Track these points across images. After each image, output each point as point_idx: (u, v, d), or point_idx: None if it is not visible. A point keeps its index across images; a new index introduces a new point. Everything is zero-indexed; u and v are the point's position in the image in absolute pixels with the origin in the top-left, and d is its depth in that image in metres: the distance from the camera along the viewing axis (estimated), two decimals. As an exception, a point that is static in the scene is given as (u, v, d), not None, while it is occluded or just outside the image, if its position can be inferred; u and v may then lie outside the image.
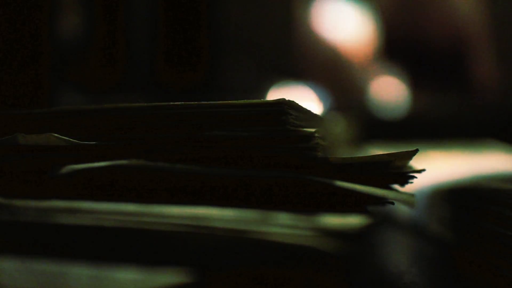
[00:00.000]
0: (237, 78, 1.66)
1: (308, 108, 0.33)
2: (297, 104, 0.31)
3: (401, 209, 0.55)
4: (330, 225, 0.26)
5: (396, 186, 0.31)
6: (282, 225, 0.26)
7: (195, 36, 1.64)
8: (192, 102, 0.31)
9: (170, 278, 0.24)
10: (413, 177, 0.30)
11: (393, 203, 0.29)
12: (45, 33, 1.31)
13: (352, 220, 0.26)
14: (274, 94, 1.61)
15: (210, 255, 0.25)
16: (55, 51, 1.34)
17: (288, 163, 0.30)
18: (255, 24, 1.77)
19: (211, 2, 1.67)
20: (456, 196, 0.41)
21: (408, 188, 0.31)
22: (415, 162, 0.32)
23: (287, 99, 0.30)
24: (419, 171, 0.31)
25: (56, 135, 0.31)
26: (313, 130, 0.30)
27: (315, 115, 0.35)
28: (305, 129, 0.30)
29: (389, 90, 1.54)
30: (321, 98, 1.61)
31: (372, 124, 1.32)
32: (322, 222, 0.26)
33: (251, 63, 1.71)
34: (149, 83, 1.58)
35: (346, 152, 0.53)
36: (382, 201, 0.29)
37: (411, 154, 0.30)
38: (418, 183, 0.33)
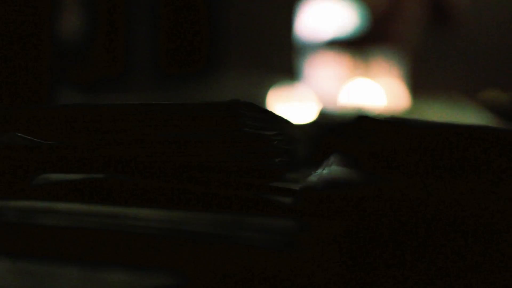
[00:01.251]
0: (237, 76, 1.66)
1: (272, 111, 0.32)
2: (257, 106, 0.30)
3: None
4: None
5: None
6: (254, 229, 0.26)
7: (196, 34, 1.63)
8: (140, 103, 0.30)
9: (157, 279, 0.24)
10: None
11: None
12: (45, 32, 1.31)
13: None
14: (274, 94, 1.61)
15: (190, 257, 0.25)
16: (55, 50, 1.35)
17: (241, 168, 0.29)
18: (256, 23, 1.77)
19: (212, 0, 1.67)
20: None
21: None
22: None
23: (242, 100, 0.29)
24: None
25: (20, 134, 0.31)
26: (271, 133, 0.29)
27: (281, 118, 0.34)
28: (264, 132, 0.30)
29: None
30: (319, 97, 1.60)
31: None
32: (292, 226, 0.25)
33: (251, 62, 1.71)
34: (149, 82, 1.58)
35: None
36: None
37: None
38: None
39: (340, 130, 0.52)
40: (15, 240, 0.26)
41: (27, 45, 1.27)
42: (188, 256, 0.25)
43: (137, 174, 0.29)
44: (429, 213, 0.26)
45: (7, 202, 0.28)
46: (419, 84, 1.67)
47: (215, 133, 0.29)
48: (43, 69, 1.29)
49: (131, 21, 1.57)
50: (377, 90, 1.63)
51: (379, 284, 0.25)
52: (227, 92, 1.59)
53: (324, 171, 0.30)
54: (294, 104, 1.52)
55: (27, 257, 0.26)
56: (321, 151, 0.49)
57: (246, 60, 1.72)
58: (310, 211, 0.26)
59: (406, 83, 1.69)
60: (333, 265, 0.25)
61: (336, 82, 1.70)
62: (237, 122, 0.29)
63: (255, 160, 0.29)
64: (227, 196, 0.28)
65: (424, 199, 0.26)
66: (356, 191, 0.26)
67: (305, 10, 1.76)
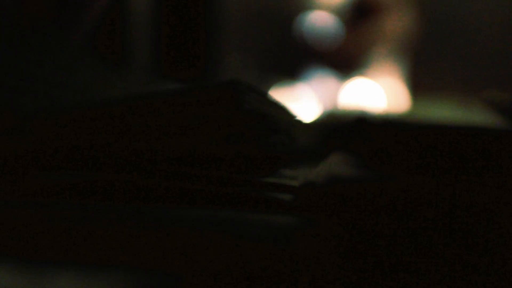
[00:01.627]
0: (237, 76, 1.66)
1: (269, 94, 0.32)
2: (256, 87, 0.30)
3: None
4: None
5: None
6: (253, 226, 0.25)
7: (195, 35, 1.63)
8: (146, 92, 0.30)
9: (157, 279, 0.24)
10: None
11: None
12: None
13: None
14: (274, 94, 1.61)
15: (190, 255, 0.25)
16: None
17: (247, 152, 0.29)
18: (256, 23, 1.77)
19: (212, 1, 1.67)
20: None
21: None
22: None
23: (243, 80, 0.29)
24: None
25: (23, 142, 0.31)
26: (270, 111, 0.29)
27: (280, 103, 0.34)
28: (264, 110, 0.30)
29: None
30: (319, 97, 1.60)
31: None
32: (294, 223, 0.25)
33: (251, 62, 1.71)
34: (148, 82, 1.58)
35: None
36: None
37: None
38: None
39: (341, 129, 0.52)
40: (14, 240, 0.26)
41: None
42: (188, 254, 0.25)
43: (137, 171, 0.29)
44: (431, 211, 0.25)
45: (7, 202, 0.28)
46: (420, 83, 1.67)
47: (219, 114, 0.29)
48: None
49: (131, 22, 1.57)
50: (377, 90, 1.63)
51: (379, 282, 0.25)
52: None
53: (324, 168, 0.29)
54: (294, 104, 1.52)
55: (26, 257, 0.25)
56: (321, 149, 0.49)
57: (246, 60, 1.72)
58: (310, 207, 0.26)
59: (407, 82, 1.69)
60: (333, 263, 0.24)
61: (336, 82, 1.71)
62: (240, 100, 0.29)
63: (257, 139, 0.29)
64: (225, 194, 0.28)
65: (426, 197, 0.25)
66: (357, 188, 0.26)
67: (306, 10, 1.76)
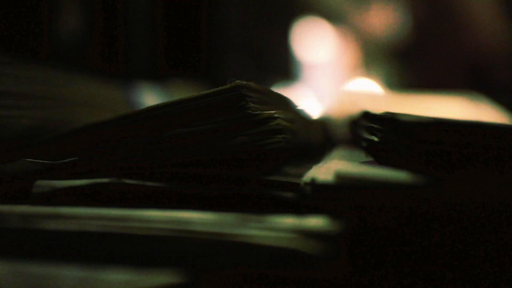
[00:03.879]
0: (236, 77, 1.66)
1: (274, 90, 0.32)
2: (259, 86, 0.30)
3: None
4: (308, 226, 0.25)
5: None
6: (260, 227, 0.26)
7: (195, 35, 1.64)
8: (153, 104, 0.31)
9: (159, 279, 0.24)
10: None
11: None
12: (43, 33, 1.31)
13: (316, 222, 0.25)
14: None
15: (195, 257, 0.25)
16: (53, 51, 1.34)
17: (250, 152, 0.29)
18: (255, 24, 1.77)
19: (211, 1, 1.67)
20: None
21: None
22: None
23: (244, 82, 0.29)
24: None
25: (29, 160, 0.31)
26: (273, 111, 0.29)
27: (283, 97, 0.34)
28: (268, 111, 0.30)
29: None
30: (319, 98, 1.60)
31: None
32: (301, 224, 0.25)
33: (251, 63, 1.71)
34: (148, 83, 1.58)
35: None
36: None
37: None
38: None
39: (344, 126, 0.52)
40: (18, 245, 0.27)
41: (25, 46, 1.27)
42: (192, 257, 0.25)
43: (144, 177, 0.30)
44: (445, 211, 0.25)
45: (11, 207, 0.28)
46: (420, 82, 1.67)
47: (222, 120, 0.29)
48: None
49: (130, 24, 1.57)
50: (377, 89, 1.64)
51: (383, 284, 0.25)
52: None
53: (327, 165, 0.29)
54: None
55: (30, 261, 0.26)
56: (326, 145, 0.48)
57: (246, 60, 1.73)
58: (322, 206, 0.26)
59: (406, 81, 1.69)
60: (342, 263, 0.24)
61: (336, 81, 1.71)
62: (241, 105, 0.29)
63: (262, 139, 0.29)
64: (229, 194, 0.29)
65: (440, 197, 0.25)
66: (369, 187, 0.25)
67: (306, 10, 1.77)
